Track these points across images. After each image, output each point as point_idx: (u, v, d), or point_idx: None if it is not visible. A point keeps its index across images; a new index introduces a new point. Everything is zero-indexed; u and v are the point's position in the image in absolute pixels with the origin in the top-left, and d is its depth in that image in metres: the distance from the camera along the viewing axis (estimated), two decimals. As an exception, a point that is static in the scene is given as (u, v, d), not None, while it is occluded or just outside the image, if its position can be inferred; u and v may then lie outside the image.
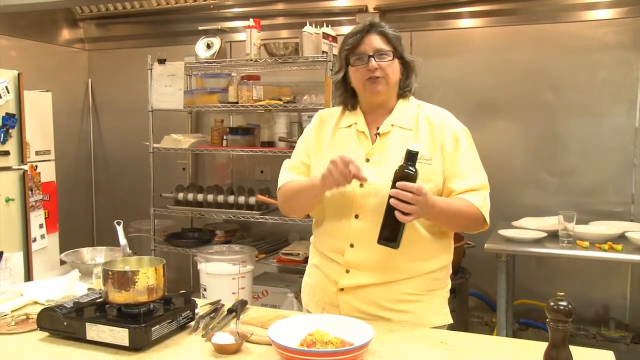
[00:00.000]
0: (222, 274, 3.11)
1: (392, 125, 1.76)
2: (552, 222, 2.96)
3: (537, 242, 2.83)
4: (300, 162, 1.86)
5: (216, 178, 4.19)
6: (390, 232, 1.56)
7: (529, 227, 3.00)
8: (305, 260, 3.39)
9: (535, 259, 3.39)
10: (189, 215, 3.97)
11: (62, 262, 3.19)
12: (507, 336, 2.92)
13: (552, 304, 1.22)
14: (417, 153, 1.53)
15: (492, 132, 3.45)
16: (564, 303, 1.21)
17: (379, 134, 1.75)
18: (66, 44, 4.41)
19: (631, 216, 3.26)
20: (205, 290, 3.18)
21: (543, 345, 1.54)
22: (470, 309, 3.50)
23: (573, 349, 1.30)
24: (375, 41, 1.72)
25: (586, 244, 2.72)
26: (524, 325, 3.41)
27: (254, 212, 3.48)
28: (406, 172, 1.52)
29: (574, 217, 2.73)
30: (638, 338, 3.23)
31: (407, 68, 1.78)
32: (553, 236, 2.87)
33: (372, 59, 1.70)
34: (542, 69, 3.40)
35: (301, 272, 3.59)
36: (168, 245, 3.73)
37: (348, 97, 1.83)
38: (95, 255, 3.16)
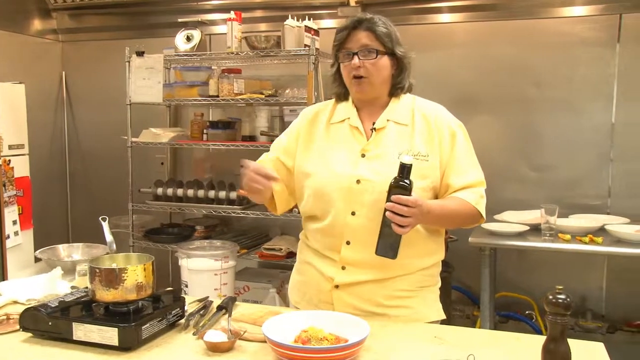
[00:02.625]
0: (203, 269, 3.07)
1: (388, 120, 1.74)
2: (533, 216, 2.99)
3: (520, 235, 2.86)
4: (271, 159, 1.85)
5: (195, 172, 4.13)
6: (388, 245, 1.58)
7: (511, 221, 3.02)
8: (288, 255, 3.39)
9: (515, 252, 3.42)
10: (168, 211, 3.91)
11: (37, 260, 3.11)
12: (489, 329, 2.95)
13: (550, 297, 1.22)
14: (410, 166, 1.54)
15: (472, 127, 3.37)
16: (562, 296, 1.21)
17: (374, 129, 1.73)
18: (38, 35, 4.29)
19: (608, 209, 3.31)
20: (186, 286, 3.13)
21: (535, 338, 1.56)
22: (452, 302, 3.52)
23: (566, 341, 1.31)
24: (362, 38, 1.69)
25: (568, 236, 2.76)
26: (505, 317, 3.44)
27: (235, 207, 3.44)
28: (401, 184, 1.53)
29: (555, 210, 2.76)
30: (613, 328, 3.29)
31: (399, 64, 1.75)
32: (535, 229, 2.90)
33: (356, 56, 1.68)
34: (521, 64, 3.43)
35: (283, 267, 3.62)
36: (147, 241, 3.66)
37: (341, 89, 1.82)
38: (72, 252, 3.08)
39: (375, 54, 1.68)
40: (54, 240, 3.24)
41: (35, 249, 3.13)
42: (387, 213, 1.52)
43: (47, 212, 4.14)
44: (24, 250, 3.36)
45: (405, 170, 1.53)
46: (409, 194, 1.52)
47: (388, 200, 1.52)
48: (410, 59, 1.77)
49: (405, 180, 1.53)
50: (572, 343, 1.45)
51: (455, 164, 1.71)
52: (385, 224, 1.54)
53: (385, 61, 1.71)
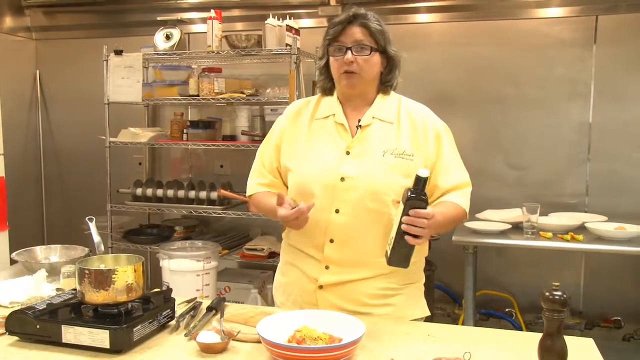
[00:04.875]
0: (186, 270, 3.03)
1: (373, 117, 1.74)
2: (514, 214, 3.02)
3: (503, 233, 2.89)
4: (268, 169, 1.83)
5: (173, 173, 4.08)
6: (402, 255, 1.56)
7: (493, 219, 3.05)
8: (270, 256, 3.37)
9: (494, 250, 3.46)
10: (147, 211, 3.85)
11: (13, 262, 3.03)
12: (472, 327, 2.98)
13: (547, 293, 1.23)
14: (426, 179, 1.52)
15: (451, 126, 3.39)
16: (559, 293, 1.23)
17: (360, 126, 1.73)
18: (10, 32, 4.18)
19: (585, 207, 3.37)
20: (168, 287, 3.09)
21: (528, 335, 1.58)
22: (434, 300, 3.55)
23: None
24: (356, 33, 1.68)
25: (549, 234, 2.79)
26: (485, 315, 3.48)
27: (215, 207, 3.41)
28: (421, 198, 1.52)
29: (537, 209, 2.80)
30: (591, 324, 3.35)
31: (390, 62, 1.75)
32: (516, 227, 2.94)
33: (350, 51, 1.67)
34: (499, 65, 3.47)
35: (263, 267, 3.60)
36: (127, 242, 3.60)
37: (327, 83, 1.80)
38: (49, 254, 3.00)
39: (368, 50, 1.68)
40: (29, 243, 3.16)
41: (10, 252, 3.05)
42: (404, 226, 1.50)
43: (21, 214, 4.03)
44: (-1, 253, 3.27)
45: (421, 183, 1.52)
46: (425, 208, 1.51)
47: (404, 212, 1.50)
48: (401, 57, 1.77)
49: (422, 195, 1.52)
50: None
51: (442, 166, 1.73)
52: (400, 235, 1.53)
53: (376, 58, 1.71)
